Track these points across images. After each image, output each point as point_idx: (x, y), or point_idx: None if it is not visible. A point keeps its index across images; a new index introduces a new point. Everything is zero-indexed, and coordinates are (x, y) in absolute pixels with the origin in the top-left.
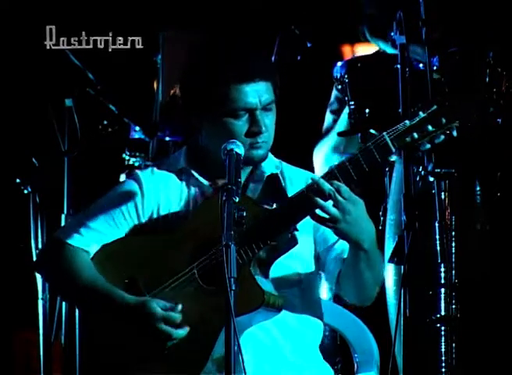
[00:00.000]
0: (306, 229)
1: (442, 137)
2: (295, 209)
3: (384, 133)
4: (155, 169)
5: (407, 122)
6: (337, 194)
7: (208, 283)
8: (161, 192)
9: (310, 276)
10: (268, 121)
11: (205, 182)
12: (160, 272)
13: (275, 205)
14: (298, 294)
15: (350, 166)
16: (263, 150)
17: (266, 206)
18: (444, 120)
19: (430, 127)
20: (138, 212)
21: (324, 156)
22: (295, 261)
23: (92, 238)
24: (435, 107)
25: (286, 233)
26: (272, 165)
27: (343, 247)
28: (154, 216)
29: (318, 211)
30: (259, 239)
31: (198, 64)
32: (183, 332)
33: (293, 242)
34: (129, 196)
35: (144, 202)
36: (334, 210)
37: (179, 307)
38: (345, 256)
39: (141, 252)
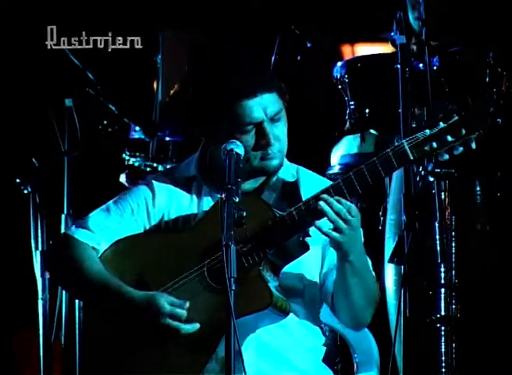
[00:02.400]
0: (316, 239)
1: (461, 148)
2: (303, 218)
3: (403, 140)
4: (167, 175)
5: (427, 131)
6: (347, 214)
7: (217, 283)
8: (172, 199)
9: (314, 287)
10: (278, 131)
11: (215, 190)
12: (168, 270)
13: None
14: (301, 303)
15: (367, 171)
16: (277, 160)
17: (279, 212)
18: (464, 131)
19: (449, 138)
20: (149, 214)
21: (339, 156)
22: (301, 270)
23: (101, 236)
24: (456, 118)
25: (296, 238)
26: (288, 173)
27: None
28: (165, 219)
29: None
30: (269, 241)
31: (201, 86)
32: (190, 327)
33: (304, 248)
34: (140, 198)
35: (155, 205)
36: (343, 225)
37: (187, 304)
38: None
39: (150, 250)
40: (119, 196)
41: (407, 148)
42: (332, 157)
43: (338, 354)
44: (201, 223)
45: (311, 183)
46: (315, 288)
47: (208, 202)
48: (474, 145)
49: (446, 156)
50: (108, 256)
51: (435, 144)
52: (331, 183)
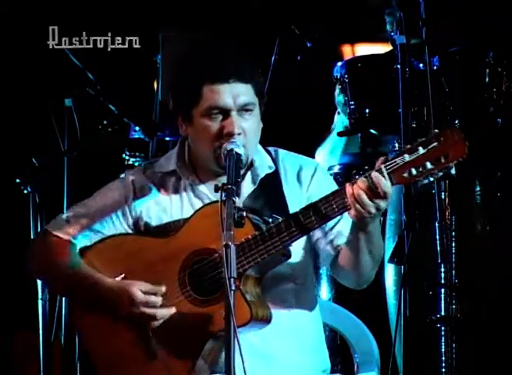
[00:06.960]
0: None
1: (440, 173)
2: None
3: (382, 166)
4: (145, 170)
5: (406, 156)
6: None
7: (199, 293)
8: (151, 194)
9: (303, 271)
10: (246, 125)
11: (197, 183)
12: (150, 276)
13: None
14: (293, 290)
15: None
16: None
17: (265, 218)
18: (443, 159)
19: (429, 165)
20: (126, 210)
21: (324, 157)
22: None
23: (78, 231)
24: (435, 144)
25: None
26: (264, 165)
27: (337, 231)
28: (144, 217)
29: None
30: (251, 257)
31: (179, 65)
32: (166, 311)
33: (287, 256)
34: (118, 194)
35: (133, 201)
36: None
37: (162, 289)
38: (339, 241)
39: (132, 254)
40: (97, 192)
41: (385, 173)
42: (317, 155)
43: (338, 354)
44: (185, 229)
45: (288, 166)
46: (305, 270)
47: (187, 196)
48: (453, 171)
49: (426, 181)
50: (89, 258)
51: (414, 171)
52: (311, 160)
